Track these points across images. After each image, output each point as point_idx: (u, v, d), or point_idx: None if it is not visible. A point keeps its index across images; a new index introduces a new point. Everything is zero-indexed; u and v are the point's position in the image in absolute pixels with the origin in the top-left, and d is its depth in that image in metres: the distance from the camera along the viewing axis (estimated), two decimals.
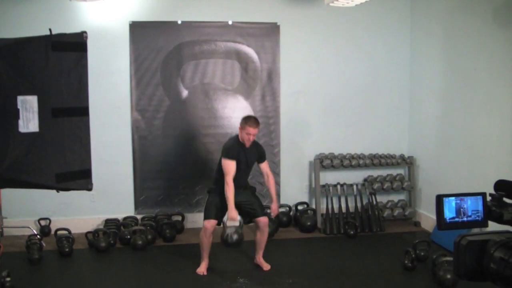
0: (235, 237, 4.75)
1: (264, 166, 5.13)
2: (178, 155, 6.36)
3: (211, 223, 4.85)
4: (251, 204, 4.96)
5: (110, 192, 6.19)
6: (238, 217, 4.78)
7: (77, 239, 5.68)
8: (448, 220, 1.83)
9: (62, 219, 6.09)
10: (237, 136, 4.98)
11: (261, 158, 5.10)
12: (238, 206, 4.84)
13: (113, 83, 6.16)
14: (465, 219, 1.84)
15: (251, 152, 4.98)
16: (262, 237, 5.01)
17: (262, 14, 6.39)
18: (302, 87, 6.56)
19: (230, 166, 4.82)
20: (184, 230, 6.25)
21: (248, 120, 4.90)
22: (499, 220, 1.87)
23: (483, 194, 1.88)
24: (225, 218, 4.81)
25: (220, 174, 4.90)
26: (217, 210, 4.86)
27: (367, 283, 4.74)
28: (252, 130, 4.83)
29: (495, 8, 5.03)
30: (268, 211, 5.37)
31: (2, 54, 2.98)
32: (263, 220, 4.96)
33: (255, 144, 5.03)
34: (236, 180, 4.83)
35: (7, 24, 5.72)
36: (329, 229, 6.20)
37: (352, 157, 6.54)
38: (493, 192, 1.94)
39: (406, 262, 4.96)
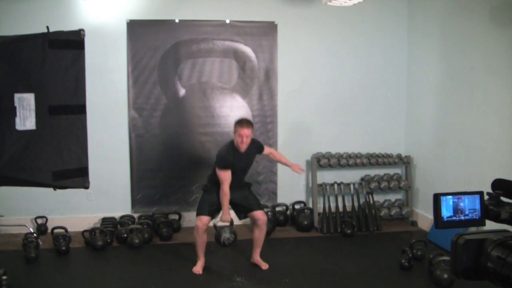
0: (231, 239, 4.78)
1: (266, 151, 5.13)
2: (175, 153, 6.36)
3: (203, 221, 4.80)
4: (247, 199, 4.92)
5: (107, 190, 6.19)
6: (230, 219, 4.79)
7: (74, 237, 5.67)
8: (445, 219, 1.83)
9: (59, 217, 6.08)
10: (232, 141, 4.84)
11: (260, 151, 5.05)
12: (232, 202, 4.85)
13: (110, 82, 6.15)
14: (462, 217, 1.85)
15: (248, 153, 4.88)
16: (260, 234, 4.99)
17: (259, 13, 6.38)
18: (300, 86, 6.56)
19: (224, 176, 4.71)
20: (181, 229, 6.24)
21: (238, 122, 4.77)
22: (496, 219, 1.88)
23: (480, 193, 1.88)
24: (217, 219, 4.80)
25: (215, 174, 4.83)
26: (210, 206, 4.84)
27: (364, 283, 4.74)
28: (243, 131, 4.66)
29: (492, 9, 5.04)
30: (300, 172, 5.32)
31: None
32: (260, 214, 4.89)
33: (251, 145, 4.87)
34: (232, 182, 4.77)
35: (4, 21, 5.71)
36: (326, 228, 6.21)
37: (349, 156, 6.54)
38: (490, 191, 1.94)
39: (403, 261, 4.96)
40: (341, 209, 6.41)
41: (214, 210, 4.87)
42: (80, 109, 3.24)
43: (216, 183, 4.83)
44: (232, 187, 4.77)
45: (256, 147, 5.00)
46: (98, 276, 4.96)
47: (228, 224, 4.77)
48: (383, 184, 6.54)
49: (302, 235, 6.17)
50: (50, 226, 5.94)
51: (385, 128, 6.80)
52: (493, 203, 1.88)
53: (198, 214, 4.88)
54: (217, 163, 4.80)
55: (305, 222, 6.27)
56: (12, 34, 3.23)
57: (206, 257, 4.99)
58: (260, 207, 5.04)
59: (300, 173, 5.31)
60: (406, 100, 6.77)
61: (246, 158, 4.89)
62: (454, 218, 1.84)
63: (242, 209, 4.98)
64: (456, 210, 1.84)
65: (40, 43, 3.05)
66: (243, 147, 4.74)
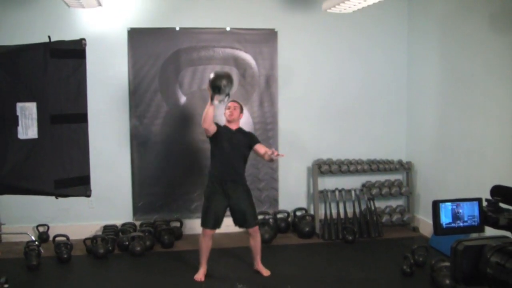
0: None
1: (260, 150, 4.77)
2: (176, 161, 6.37)
3: (208, 232, 4.85)
4: (244, 211, 4.86)
5: (109, 198, 6.19)
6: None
7: (76, 245, 5.67)
8: (444, 226, 1.84)
9: (61, 225, 6.09)
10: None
11: (253, 142, 4.91)
12: (229, 207, 4.87)
13: (111, 90, 6.17)
14: (461, 224, 1.86)
15: (238, 136, 4.92)
16: (255, 243, 4.99)
17: (259, 20, 6.41)
18: (300, 92, 6.58)
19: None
20: (183, 236, 6.24)
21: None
22: (495, 225, 1.88)
23: (479, 200, 1.89)
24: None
25: (212, 160, 4.92)
26: (215, 217, 4.84)
27: None
28: (230, 103, 4.93)
29: (491, 14, 5.06)
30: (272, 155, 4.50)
31: (0, 61, 3.01)
32: (253, 229, 4.94)
33: (243, 131, 5.03)
34: (222, 166, 4.80)
35: (6, 31, 5.74)
36: (327, 235, 6.21)
37: (350, 162, 6.55)
38: (490, 197, 1.95)
39: (404, 267, 4.96)
40: (342, 215, 6.41)
41: (219, 219, 4.86)
42: (81, 118, 3.27)
43: (215, 176, 4.86)
44: (224, 177, 4.82)
45: (249, 136, 5.02)
46: (100, 284, 4.97)
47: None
48: (384, 190, 6.55)
49: (303, 242, 6.17)
50: (51, 234, 5.95)
51: (386, 134, 6.81)
52: (492, 209, 1.89)
53: (204, 225, 4.88)
54: None
55: (307, 229, 6.27)
56: (13, 43, 3.26)
57: (208, 264, 4.98)
58: (255, 222, 4.96)
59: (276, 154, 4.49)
60: (406, 106, 6.78)
61: (234, 137, 4.87)
62: (453, 224, 1.85)
63: (237, 220, 4.94)
64: (455, 216, 1.85)
65: (41, 52, 3.08)
66: (231, 118, 4.93)
